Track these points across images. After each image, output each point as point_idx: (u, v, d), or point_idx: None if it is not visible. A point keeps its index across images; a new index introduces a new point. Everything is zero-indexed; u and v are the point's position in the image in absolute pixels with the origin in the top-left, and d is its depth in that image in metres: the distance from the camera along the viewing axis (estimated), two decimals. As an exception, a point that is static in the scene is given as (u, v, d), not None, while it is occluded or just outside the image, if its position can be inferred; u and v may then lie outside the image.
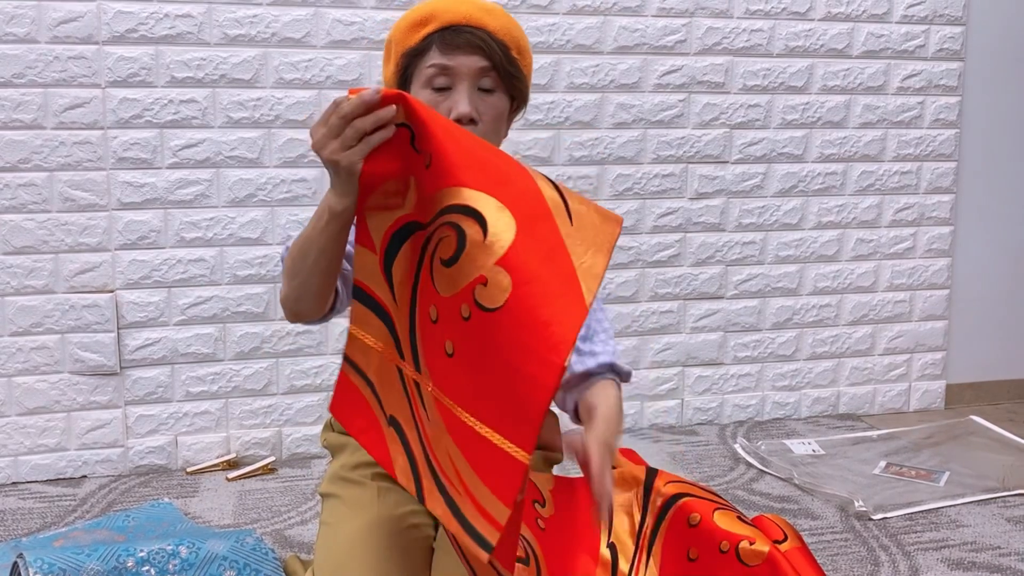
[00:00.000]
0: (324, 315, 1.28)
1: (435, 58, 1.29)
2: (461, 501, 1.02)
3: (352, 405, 1.18)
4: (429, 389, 1.06)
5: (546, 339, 0.95)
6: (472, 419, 1.01)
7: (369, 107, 1.04)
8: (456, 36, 1.28)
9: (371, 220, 1.11)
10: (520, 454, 0.96)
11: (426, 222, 1.06)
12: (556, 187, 1.03)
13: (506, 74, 1.31)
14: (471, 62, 1.28)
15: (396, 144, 1.07)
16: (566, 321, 0.95)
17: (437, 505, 1.05)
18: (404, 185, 1.09)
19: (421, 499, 1.08)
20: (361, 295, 1.14)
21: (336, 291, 1.28)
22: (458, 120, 1.28)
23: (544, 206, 1.01)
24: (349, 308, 1.20)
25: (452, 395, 1.03)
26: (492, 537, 0.98)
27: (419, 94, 1.30)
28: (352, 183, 1.09)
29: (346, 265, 1.30)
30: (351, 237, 1.20)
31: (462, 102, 1.27)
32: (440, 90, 1.29)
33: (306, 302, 1.23)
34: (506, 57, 1.31)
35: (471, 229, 1.01)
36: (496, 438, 0.98)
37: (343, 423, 1.21)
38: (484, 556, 0.99)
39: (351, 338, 1.17)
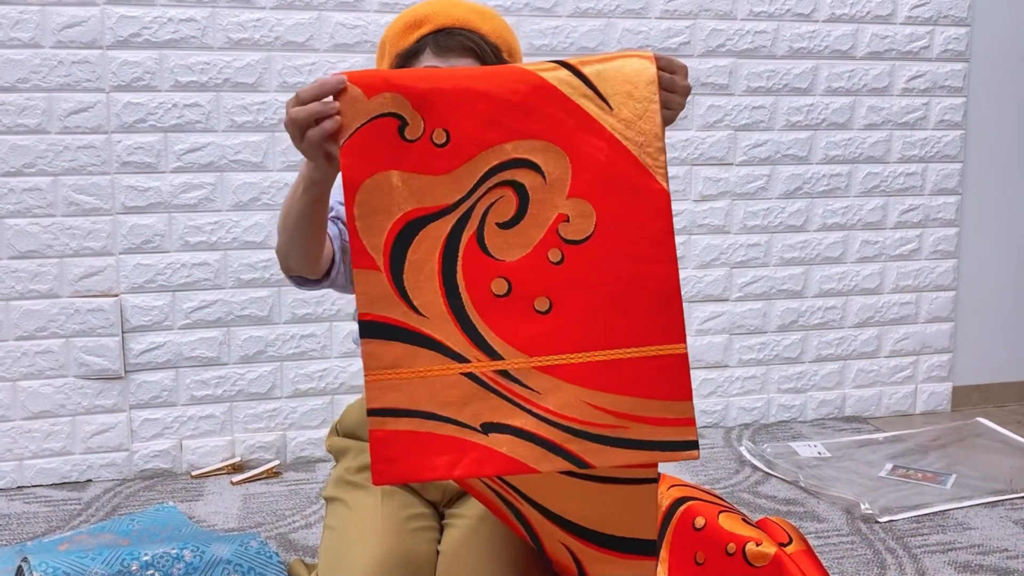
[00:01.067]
0: (318, 280, 1.29)
1: (428, 60, 1.30)
2: (635, 431, 1.02)
3: (417, 453, 1.03)
4: (523, 366, 1.03)
5: (648, 238, 1.00)
6: (604, 353, 1.01)
7: (322, 95, 1.01)
8: (449, 38, 1.30)
9: (365, 237, 1.03)
10: (676, 348, 1.00)
11: (453, 203, 1.03)
12: (579, 73, 1.02)
13: None
14: (463, 64, 1.29)
15: (378, 137, 1.02)
16: (655, 212, 1.00)
17: (609, 456, 1.02)
18: (387, 182, 1.03)
19: (583, 465, 1.02)
20: (372, 329, 1.03)
21: (332, 259, 1.29)
22: None
23: (578, 110, 1.02)
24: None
25: (564, 348, 1.02)
26: (690, 435, 1.01)
27: None
28: (319, 168, 1.07)
29: (347, 236, 1.29)
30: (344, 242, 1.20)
31: None
32: None
33: (294, 258, 1.24)
34: (498, 60, 1.32)
35: (528, 178, 1.02)
36: (644, 351, 1.00)
37: (416, 478, 1.06)
38: (696, 455, 1.02)
39: (372, 387, 1.04)
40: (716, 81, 2.72)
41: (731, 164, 2.78)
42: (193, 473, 2.46)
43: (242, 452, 2.52)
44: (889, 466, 2.54)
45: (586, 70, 1.02)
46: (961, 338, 3.06)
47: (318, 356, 2.55)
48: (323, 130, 1.02)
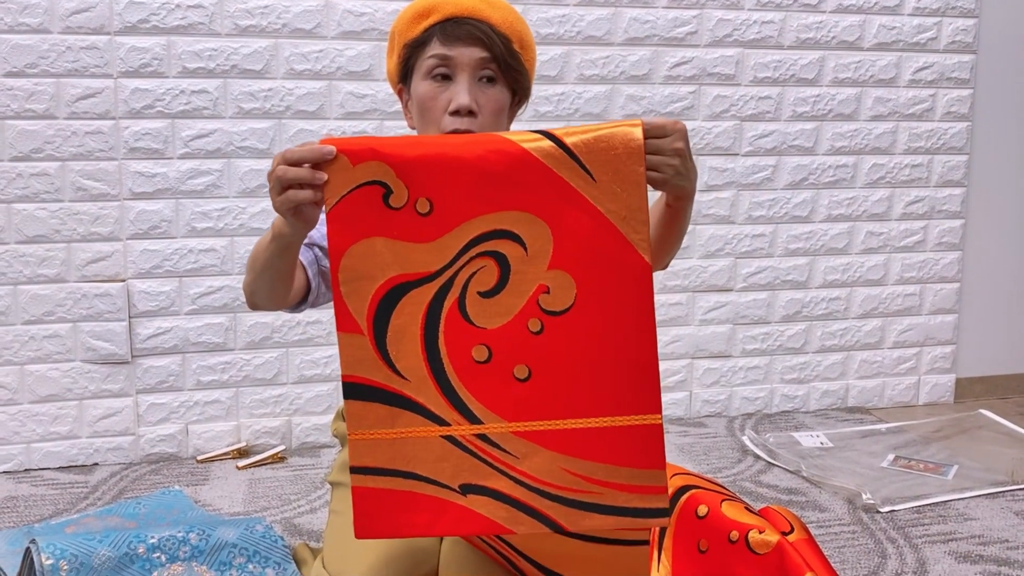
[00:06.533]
0: (293, 306, 1.32)
1: (436, 48, 1.30)
2: (608, 497, 1.04)
3: (398, 510, 1.08)
4: (502, 430, 1.05)
5: (627, 311, 1.00)
6: (580, 421, 1.03)
7: (310, 160, 1.02)
8: (457, 27, 1.29)
9: (350, 302, 1.06)
10: (651, 419, 1.01)
11: (435, 271, 1.05)
12: (562, 144, 1.02)
13: (507, 66, 1.31)
14: (471, 53, 1.29)
15: (363, 204, 1.04)
16: (635, 285, 1.01)
17: (582, 521, 1.05)
18: (371, 248, 1.05)
19: (557, 528, 1.06)
20: (355, 390, 1.07)
21: (308, 287, 1.31)
22: (457, 112, 1.28)
23: (560, 182, 1.02)
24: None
25: (541, 415, 1.04)
26: (662, 502, 1.03)
27: (420, 85, 1.32)
28: (288, 224, 1.09)
29: (324, 261, 1.32)
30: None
31: (461, 93, 1.28)
32: (441, 80, 1.30)
33: (260, 296, 1.26)
34: (507, 49, 1.31)
35: (510, 249, 1.03)
36: (619, 420, 1.02)
37: (396, 534, 1.09)
38: (666, 523, 1.04)
39: (355, 445, 1.08)
40: (722, 71, 2.72)
41: (736, 154, 2.78)
42: (199, 458, 2.48)
43: (248, 437, 2.53)
44: (891, 457, 2.54)
45: (569, 141, 1.01)
46: (965, 330, 3.06)
47: (324, 343, 2.56)
48: (302, 196, 1.03)
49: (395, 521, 1.09)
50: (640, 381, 1.02)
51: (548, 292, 1.03)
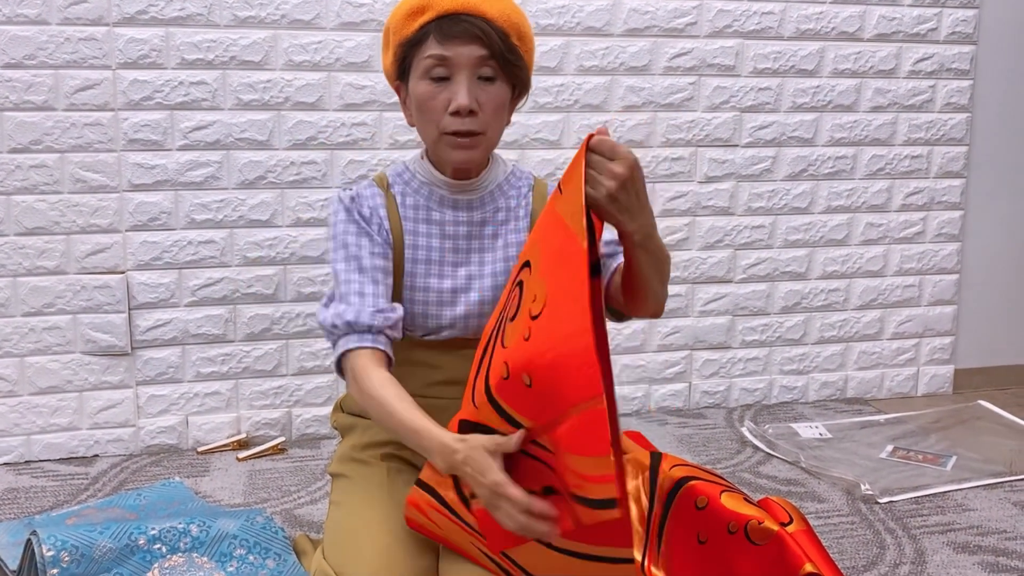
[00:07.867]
0: None
1: (432, 48, 1.27)
2: (584, 489, 1.04)
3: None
4: (536, 429, 1.10)
5: (568, 298, 1.03)
6: (560, 415, 1.04)
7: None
8: (453, 25, 1.26)
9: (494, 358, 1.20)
10: (594, 403, 1.00)
11: (499, 311, 1.22)
12: (563, 177, 1.16)
13: (506, 62, 1.29)
14: (469, 52, 1.27)
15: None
16: (573, 271, 1.05)
17: (567, 515, 1.08)
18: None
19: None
20: (462, 427, 1.20)
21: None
22: (457, 112, 1.27)
23: (549, 201, 1.16)
24: None
25: (543, 416, 1.07)
26: (609, 492, 1.01)
27: (418, 85, 1.30)
28: (451, 469, 1.16)
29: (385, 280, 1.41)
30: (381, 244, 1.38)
31: (461, 94, 1.27)
32: (439, 80, 1.29)
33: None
34: (505, 45, 1.29)
35: (525, 275, 1.15)
36: (578, 408, 1.03)
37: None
38: (616, 515, 1.01)
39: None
40: (722, 62, 2.72)
41: (736, 145, 2.78)
42: (199, 449, 2.48)
43: (248, 429, 2.54)
44: (890, 448, 2.55)
45: (570, 167, 1.14)
46: (964, 321, 3.06)
47: (323, 334, 2.55)
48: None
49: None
50: (581, 365, 1.01)
51: (535, 299, 1.09)
